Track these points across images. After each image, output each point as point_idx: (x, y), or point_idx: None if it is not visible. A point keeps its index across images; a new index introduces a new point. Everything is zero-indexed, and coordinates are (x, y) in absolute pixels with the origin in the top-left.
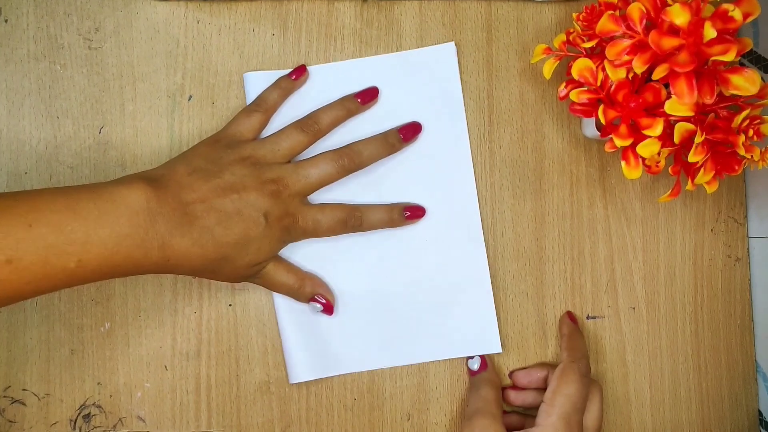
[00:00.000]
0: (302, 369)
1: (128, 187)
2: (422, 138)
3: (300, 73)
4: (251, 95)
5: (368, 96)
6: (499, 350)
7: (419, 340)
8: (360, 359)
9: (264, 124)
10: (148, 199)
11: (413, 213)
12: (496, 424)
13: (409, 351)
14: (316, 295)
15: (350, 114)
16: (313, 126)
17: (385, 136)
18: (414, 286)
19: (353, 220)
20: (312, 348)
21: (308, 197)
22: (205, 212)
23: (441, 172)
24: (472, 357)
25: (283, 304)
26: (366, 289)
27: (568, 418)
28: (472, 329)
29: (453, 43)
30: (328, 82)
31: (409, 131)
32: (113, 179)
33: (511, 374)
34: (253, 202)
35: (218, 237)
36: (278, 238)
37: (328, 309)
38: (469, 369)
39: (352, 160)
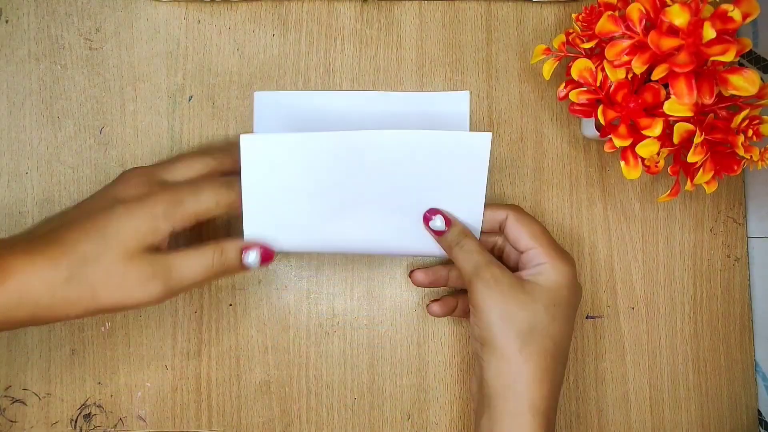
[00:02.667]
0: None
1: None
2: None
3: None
4: (260, 115)
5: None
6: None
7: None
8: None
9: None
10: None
11: None
12: (505, 271)
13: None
14: (244, 248)
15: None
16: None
17: None
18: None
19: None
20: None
21: None
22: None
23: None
24: (432, 218)
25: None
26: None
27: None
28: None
29: (490, 134)
30: (359, 108)
31: None
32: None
33: (411, 273)
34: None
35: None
36: (149, 213)
37: (268, 256)
38: (434, 232)
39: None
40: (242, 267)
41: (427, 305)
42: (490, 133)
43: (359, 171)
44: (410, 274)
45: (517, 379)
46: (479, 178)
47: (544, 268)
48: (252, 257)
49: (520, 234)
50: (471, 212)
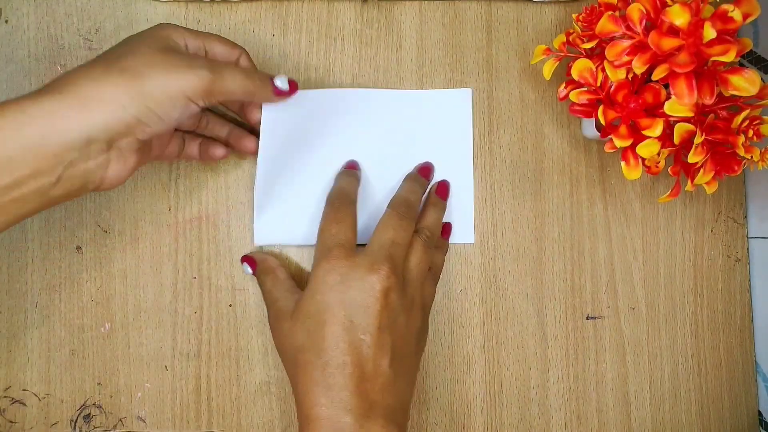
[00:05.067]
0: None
1: None
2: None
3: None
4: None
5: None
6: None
7: None
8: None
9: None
10: None
11: None
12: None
13: None
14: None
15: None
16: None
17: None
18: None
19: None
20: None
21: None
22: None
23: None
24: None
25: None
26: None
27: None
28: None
29: (470, 89)
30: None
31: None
32: None
33: None
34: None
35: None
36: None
37: (293, 86)
38: (277, 89)
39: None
40: (274, 95)
41: None
42: (470, 89)
43: (356, 123)
44: None
45: None
46: (465, 134)
47: None
48: (281, 81)
49: None
50: (462, 168)
